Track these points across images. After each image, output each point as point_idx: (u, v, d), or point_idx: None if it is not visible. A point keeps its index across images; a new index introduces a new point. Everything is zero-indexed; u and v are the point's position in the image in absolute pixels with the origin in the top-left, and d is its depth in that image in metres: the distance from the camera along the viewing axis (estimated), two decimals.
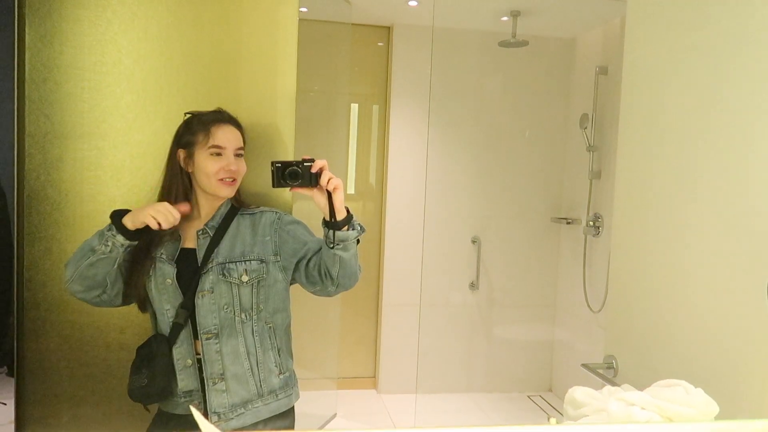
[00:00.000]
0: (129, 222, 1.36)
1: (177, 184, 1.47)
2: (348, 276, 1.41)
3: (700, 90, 1.23)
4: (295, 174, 1.35)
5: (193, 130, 1.46)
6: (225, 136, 1.45)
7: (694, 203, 1.24)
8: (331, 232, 1.35)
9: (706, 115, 1.21)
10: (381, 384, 3.46)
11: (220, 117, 1.48)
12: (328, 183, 1.34)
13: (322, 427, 2.87)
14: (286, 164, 1.36)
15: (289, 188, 1.37)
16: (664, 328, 1.32)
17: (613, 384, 1.39)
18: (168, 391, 1.43)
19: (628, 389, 1.17)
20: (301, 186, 1.36)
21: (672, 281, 1.30)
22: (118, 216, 1.37)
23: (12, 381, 1.63)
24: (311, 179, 1.36)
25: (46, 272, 1.62)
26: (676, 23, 1.32)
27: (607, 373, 1.48)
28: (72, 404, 1.65)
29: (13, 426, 1.62)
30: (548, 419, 0.91)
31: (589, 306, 3.09)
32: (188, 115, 1.50)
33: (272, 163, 1.36)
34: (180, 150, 1.47)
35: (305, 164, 1.35)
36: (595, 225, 3.08)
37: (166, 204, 1.37)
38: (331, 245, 1.36)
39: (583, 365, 1.49)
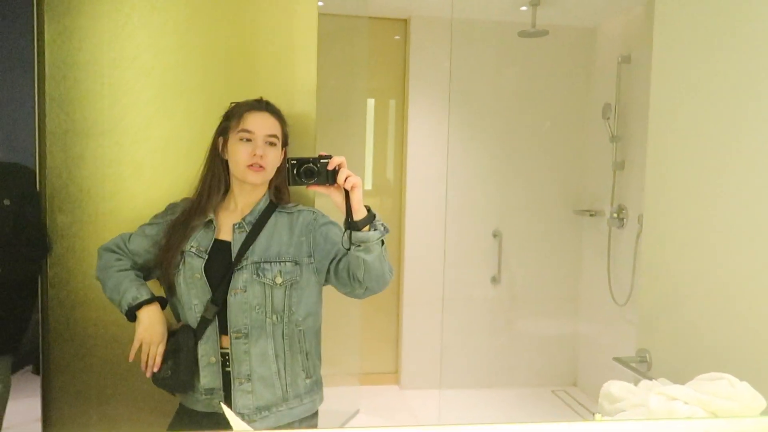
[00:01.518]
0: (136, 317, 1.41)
1: (214, 172, 1.46)
2: (375, 279, 1.34)
3: (733, 76, 1.18)
4: (311, 172, 1.29)
5: (230, 116, 1.46)
6: (255, 122, 1.43)
7: (728, 192, 1.19)
8: (347, 232, 1.30)
9: (740, 101, 1.16)
10: (403, 379, 3.43)
11: (257, 105, 1.47)
12: (345, 181, 1.27)
13: (344, 424, 2.85)
14: (301, 161, 1.30)
15: (305, 186, 1.31)
16: (701, 320, 1.27)
17: (647, 378, 1.36)
18: (189, 385, 1.42)
19: (666, 383, 1.13)
20: (317, 184, 1.30)
21: (707, 272, 1.26)
22: (135, 308, 1.41)
23: (37, 379, 1.63)
24: (328, 177, 1.29)
25: (69, 270, 1.61)
26: (707, 6, 1.27)
27: (640, 366, 1.43)
28: (97, 402, 1.64)
29: (39, 424, 1.62)
30: (593, 415, 0.87)
31: (614, 299, 3.04)
32: (233, 104, 1.49)
33: (287, 160, 1.31)
34: (220, 137, 1.47)
35: (322, 161, 1.29)
36: (620, 217, 3.02)
37: (157, 350, 1.40)
38: (349, 247, 1.30)
39: (615, 359, 1.45)
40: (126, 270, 1.46)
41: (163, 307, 1.45)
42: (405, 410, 3.23)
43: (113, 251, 1.49)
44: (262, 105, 1.47)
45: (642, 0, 2.85)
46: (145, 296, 1.42)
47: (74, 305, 1.62)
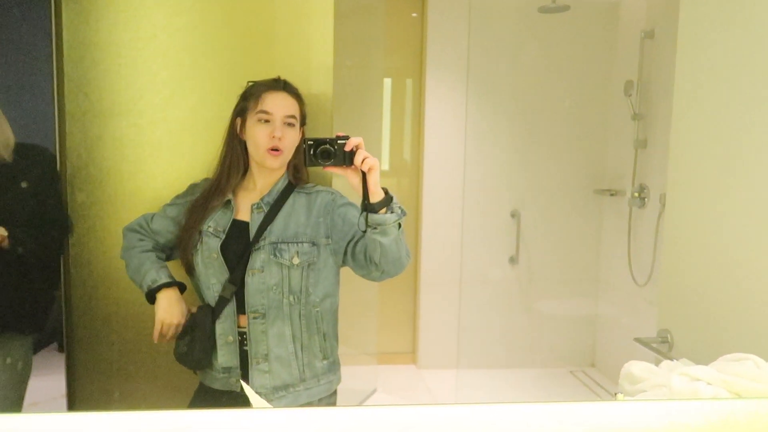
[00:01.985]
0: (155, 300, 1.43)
1: (232, 153, 1.46)
2: (391, 262, 1.34)
3: (762, 51, 1.14)
4: (327, 153, 1.28)
5: (247, 96, 1.45)
6: (273, 102, 1.42)
7: (753, 170, 1.16)
8: (364, 214, 1.29)
9: None
10: (420, 359, 3.45)
11: (275, 84, 1.46)
12: (362, 162, 1.26)
13: (362, 403, 2.88)
14: (318, 142, 1.29)
15: (322, 167, 1.31)
16: (724, 300, 1.25)
17: (669, 359, 1.34)
18: (206, 363, 1.44)
19: (688, 364, 1.12)
20: (334, 165, 1.29)
21: (730, 251, 1.23)
22: (155, 290, 1.43)
23: (62, 357, 1.66)
24: (345, 158, 1.28)
25: (90, 250, 1.64)
26: None
27: (661, 347, 1.42)
28: (120, 378, 1.68)
29: (65, 399, 1.66)
30: (615, 395, 0.87)
31: (634, 279, 3.00)
32: (250, 83, 1.48)
33: (304, 140, 1.30)
34: (238, 118, 1.46)
35: (339, 142, 1.28)
36: (641, 196, 2.97)
37: (173, 327, 1.43)
38: (365, 229, 1.30)
39: (636, 339, 1.44)
40: (148, 251, 1.48)
41: (182, 292, 1.47)
42: (422, 390, 3.25)
43: (136, 231, 1.51)
44: (279, 85, 1.46)
45: None
46: (164, 279, 1.44)
47: (96, 284, 1.64)
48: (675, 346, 1.40)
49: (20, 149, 1.53)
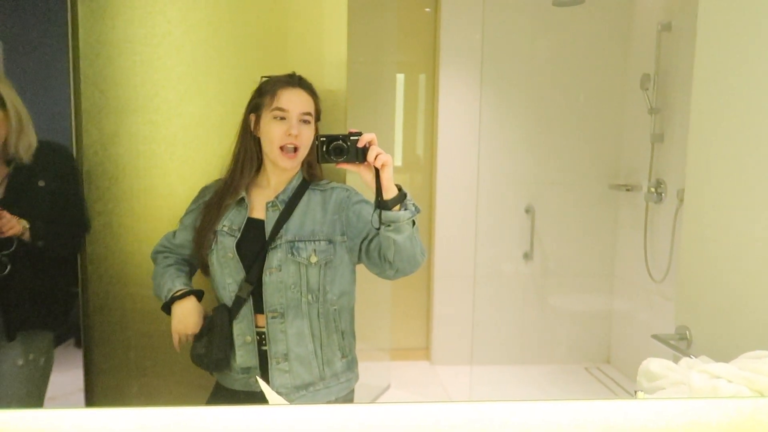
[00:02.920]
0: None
1: (246, 150, 1.44)
2: (405, 260, 1.33)
3: None
4: (340, 149, 1.28)
5: (262, 92, 1.43)
6: (289, 99, 1.40)
7: None
8: (377, 211, 1.28)
9: None
10: (434, 355, 3.44)
11: (290, 80, 1.44)
12: (375, 159, 1.25)
13: (376, 399, 2.88)
14: (331, 138, 1.28)
15: (334, 164, 1.30)
16: (744, 296, 1.23)
17: (687, 356, 1.32)
18: (224, 364, 1.43)
19: (707, 362, 1.10)
20: (347, 162, 1.29)
21: (750, 247, 1.21)
22: (170, 302, 1.44)
23: (79, 352, 1.68)
24: (358, 154, 1.28)
25: (107, 246, 1.65)
26: None
27: (679, 344, 1.40)
28: (137, 374, 1.69)
29: (83, 394, 1.68)
30: (635, 393, 0.86)
31: (650, 275, 2.97)
32: (264, 79, 1.46)
33: (317, 137, 1.31)
34: (251, 114, 1.45)
35: (352, 138, 1.28)
36: (657, 191, 2.94)
37: (190, 337, 1.44)
38: (378, 226, 1.29)
39: (654, 336, 1.42)
40: (169, 266, 1.48)
41: (199, 299, 1.46)
42: (436, 386, 3.24)
43: (160, 251, 1.52)
44: (295, 81, 1.44)
45: None
46: (179, 287, 1.43)
47: (112, 281, 1.66)
48: (694, 343, 1.38)
49: (39, 147, 1.54)
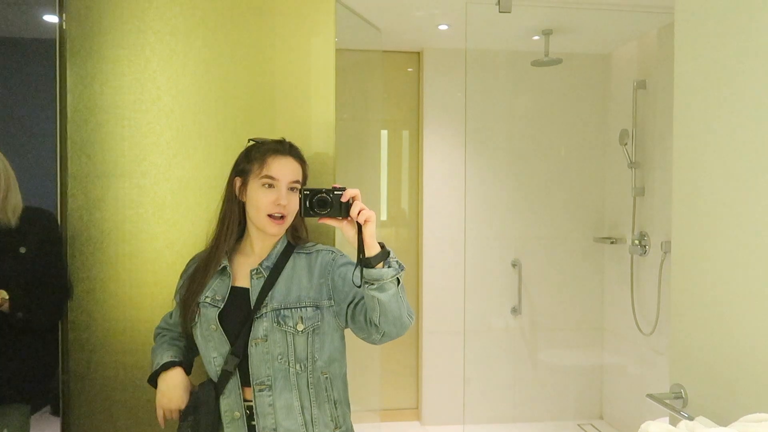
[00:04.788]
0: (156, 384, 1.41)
1: (231, 214, 1.41)
2: (391, 322, 1.27)
3: (759, 96, 1.16)
4: (323, 202, 1.26)
5: (251, 158, 1.40)
6: (280, 168, 1.37)
7: (760, 214, 1.16)
8: (359, 269, 1.24)
9: None
10: (425, 415, 3.36)
11: (280, 147, 1.41)
12: (359, 215, 1.22)
13: None
14: (314, 192, 1.26)
15: (317, 218, 1.27)
16: (739, 354, 1.22)
17: (683, 415, 1.31)
18: None
19: (708, 424, 1.09)
20: (330, 216, 1.26)
21: (743, 303, 1.21)
22: (156, 374, 1.41)
23: (56, 420, 1.61)
24: (341, 209, 1.25)
25: (89, 313, 1.61)
26: (729, 26, 1.25)
27: (674, 403, 1.38)
28: None
29: None
30: None
31: (639, 328, 2.96)
32: (251, 142, 1.44)
33: (300, 190, 1.28)
34: (237, 178, 1.41)
35: (335, 193, 1.26)
36: (642, 244, 2.97)
37: (174, 412, 1.39)
38: (360, 284, 1.24)
39: (649, 396, 1.40)
40: (164, 342, 1.46)
41: (188, 371, 1.42)
42: None
43: (159, 332, 1.51)
44: (285, 148, 1.41)
45: (654, 25, 2.85)
46: (166, 359, 1.39)
47: (94, 348, 1.61)
48: (690, 402, 1.36)
49: (24, 213, 1.51)
